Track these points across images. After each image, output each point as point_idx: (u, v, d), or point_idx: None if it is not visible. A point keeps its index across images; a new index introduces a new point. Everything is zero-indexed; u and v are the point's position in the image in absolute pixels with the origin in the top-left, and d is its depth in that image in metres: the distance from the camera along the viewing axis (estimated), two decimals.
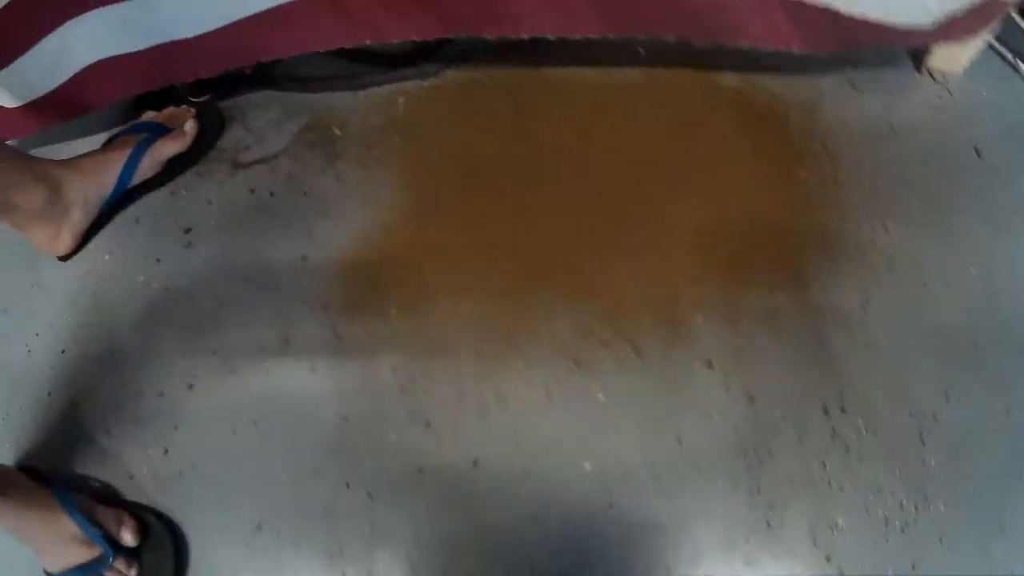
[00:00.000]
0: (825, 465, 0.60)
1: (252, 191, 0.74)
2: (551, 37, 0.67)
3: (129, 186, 0.73)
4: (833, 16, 0.65)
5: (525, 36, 0.67)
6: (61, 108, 0.71)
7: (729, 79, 0.78)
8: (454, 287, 0.66)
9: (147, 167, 0.73)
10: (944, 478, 0.60)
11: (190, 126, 0.75)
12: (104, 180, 0.71)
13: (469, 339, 0.64)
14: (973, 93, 0.81)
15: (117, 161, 0.71)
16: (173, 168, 0.76)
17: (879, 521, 0.58)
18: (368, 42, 0.67)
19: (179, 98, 0.78)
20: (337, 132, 0.75)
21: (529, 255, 0.67)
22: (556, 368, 0.63)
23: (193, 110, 0.78)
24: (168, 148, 0.74)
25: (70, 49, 0.66)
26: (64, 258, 0.73)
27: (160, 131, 0.75)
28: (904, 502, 0.59)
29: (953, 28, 0.69)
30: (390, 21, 0.65)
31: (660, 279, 0.68)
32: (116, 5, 0.63)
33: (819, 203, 0.70)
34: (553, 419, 0.62)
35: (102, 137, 0.78)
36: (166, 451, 0.63)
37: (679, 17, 0.66)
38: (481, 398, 0.62)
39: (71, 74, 0.68)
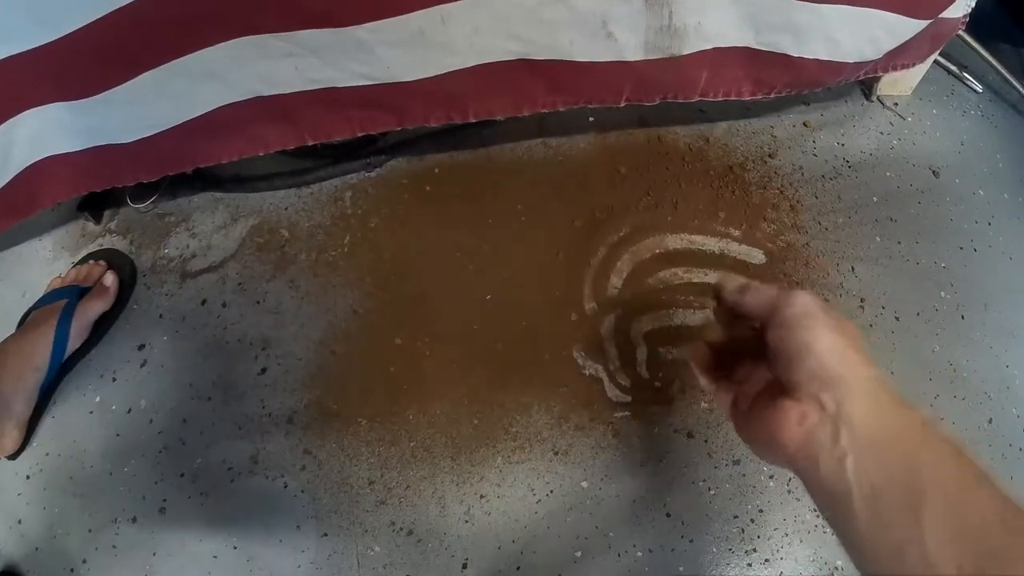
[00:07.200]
0: (817, 512, 0.59)
1: (203, 302, 0.70)
2: (500, 118, 0.65)
3: (64, 360, 0.69)
4: (784, 60, 0.64)
5: (473, 120, 0.65)
6: (9, 208, 0.67)
7: (682, 137, 0.76)
8: (422, 390, 0.64)
9: (77, 334, 0.69)
10: None
11: (110, 280, 0.72)
12: (36, 363, 0.66)
13: (444, 442, 0.62)
14: (923, 112, 0.80)
15: (45, 337, 0.67)
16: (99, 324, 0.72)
17: None
18: (311, 143, 0.64)
19: (119, 203, 0.76)
20: (285, 234, 0.72)
21: (496, 349, 0.65)
22: (536, 461, 0.61)
23: (103, 262, 0.74)
24: (94, 308, 0.70)
25: (14, 147, 0.63)
26: (12, 456, 0.67)
27: (77, 293, 0.71)
28: None
29: (904, 55, 0.69)
30: (334, 120, 0.63)
31: None
32: (51, 105, 0.60)
33: (783, 255, 0.69)
34: (539, 513, 0.60)
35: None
36: None
37: (628, 83, 0.64)
38: (463, 501, 0.60)
39: (17, 171, 0.65)
